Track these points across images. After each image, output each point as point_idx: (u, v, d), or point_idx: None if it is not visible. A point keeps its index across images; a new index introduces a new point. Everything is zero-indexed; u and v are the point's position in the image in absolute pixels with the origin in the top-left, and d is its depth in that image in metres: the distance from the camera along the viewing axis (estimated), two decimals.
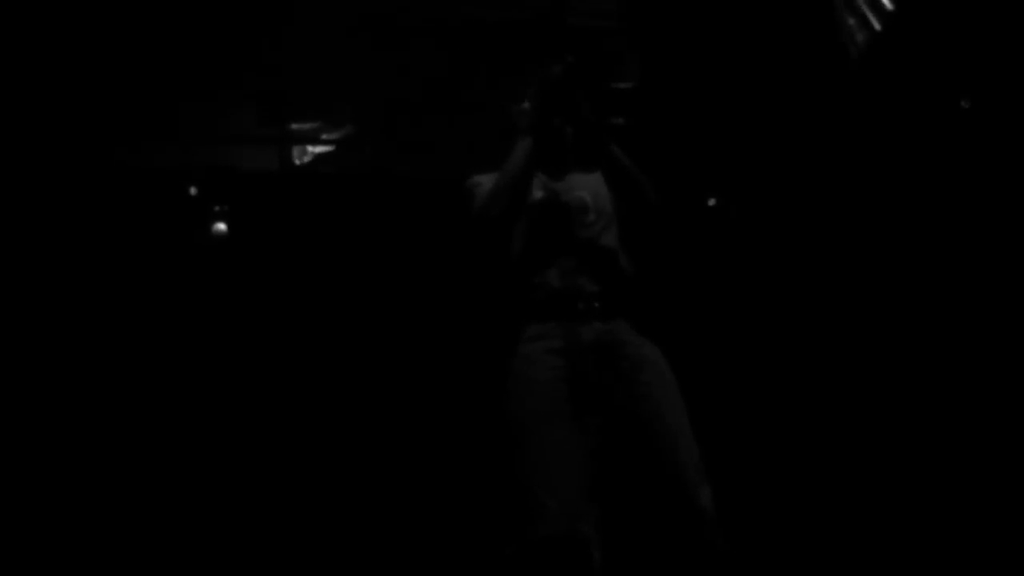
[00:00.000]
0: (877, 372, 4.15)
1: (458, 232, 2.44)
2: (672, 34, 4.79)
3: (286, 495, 4.22)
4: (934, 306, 4.06)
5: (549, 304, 2.16)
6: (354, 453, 4.34)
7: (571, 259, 2.20)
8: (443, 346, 4.51)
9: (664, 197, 2.24)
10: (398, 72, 5.02)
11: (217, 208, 4.65)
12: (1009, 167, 3.83)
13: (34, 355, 4.15)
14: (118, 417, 4.19)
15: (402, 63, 5.02)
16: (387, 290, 4.67)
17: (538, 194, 2.27)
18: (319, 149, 5.16)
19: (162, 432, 4.22)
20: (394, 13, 4.96)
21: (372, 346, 4.56)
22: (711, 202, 4.87)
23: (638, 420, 2.07)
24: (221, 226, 4.65)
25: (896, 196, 4.24)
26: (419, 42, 5.01)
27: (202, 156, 4.71)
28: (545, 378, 2.07)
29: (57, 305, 4.26)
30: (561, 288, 2.17)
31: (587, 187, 2.32)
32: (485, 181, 2.31)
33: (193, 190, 4.62)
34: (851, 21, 4.27)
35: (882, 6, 4.10)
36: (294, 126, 5.06)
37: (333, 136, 5.18)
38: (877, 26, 4.14)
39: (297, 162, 5.09)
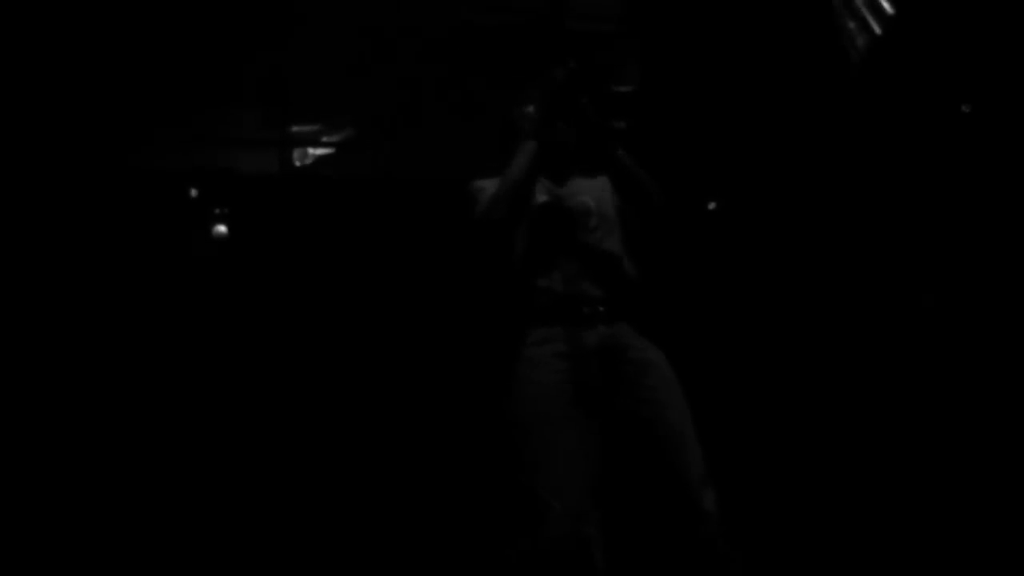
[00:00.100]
0: (880, 375, 4.15)
1: (461, 235, 2.43)
2: (672, 38, 4.80)
3: (288, 496, 4.22)
4: (935, 309, 4.06)
5: (553, 308, 2.16)
6: (355, 455, 4.34)
7: (574, 264, 2.20)
8: (444, 348, 4.51)
9: (670, 201, 2.24)
10: (398, 75, 5.03)
11: (217, 210, 4.65)
12: (1009, 171, 3.83)
13: (36, 354, 4.15)
14: (119, 417, 4.19)
15: (402, 66, 5.02)
16: (387, 293, 4.67)
17: (541, 199, 2.27)
18: (319, 151, 5.17)
19: (163, 432, 4.22)
20: (394, 17, 4.97)
21: (373, 348, 4.56)
22: (711, 205, 4.88)
23: (642, 423, 2.07)
24: (221, 228, 4.65)
25: (897, 199, 4.24)
26: (419, 45, 5.02)
27: (203, 158, 4.71)
28: (549, 381, 2.07)
29: (59, 306, 4.26)
30: (565, 293, 2.17)
31: (590, 192, 2.33)
32: (488, 186, 2.31)
33: (194, 192, 4.63)
34: (851, 25, 4.28)
35: (882, 10, 4.11)
36: (294, 129, 5.07)
37: (333, 139, 5.18)
38: (877, 30, 4.14)
39: (297, 164, 5.09)
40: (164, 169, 4.64)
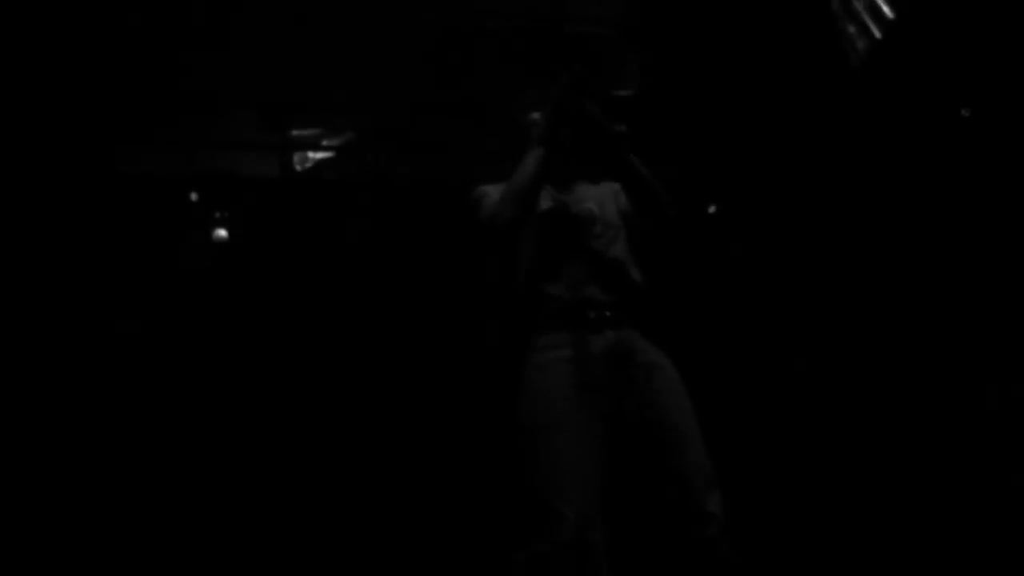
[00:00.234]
0: (882, 377, 4.16)
1: (465, 239, 2.44)
2: (673, 41, 4.80)
3: (293, 500, 4.22)
4: (936, 312, 4.07)
5: (560, 314, 2.17)
6: (359, 459, 4.34)
7: (580, 270, 2.21)
8: (446, 352, 4.51)
9: (681, 209, 2.25)
10: (398, 78, 5.03)
11: (218, 214, 4.65)
12: (1009, 176, 3.84)
13: (38, 358, 4.15)
14: (121, 419, 4.19)
15: (402, 69, 5.02)
16: (387, 295, 4.67)
17: (546, 205, 2.28)
18: (319, 155, 5.17)
19: (164, 434, 4.21)
20: (394, 20, 4.97)
21: (373, 351, 4.56)
22: (711, 209, 4.88)
23: (649, 427, 2.09)
24: (222, 232, 4.65)
25: (897, 203, 4.25)
26: (419, 49, 5.02)
27: (203, 162, 4.72)
28: (558, 386, 2.08)
29: (61, 310, 4.26)
30: (572, 298, 2.18)
31: (594, 198, 2.34)
32: (492, 191, 2.32)
33: (194, 196, 4.63)
34: (851, 29, 4.28)
35: (882, 14, 4.11)
36: (295, 132, 5.07)
37: (333, 142, 5.18)
38: (877, 34, 4.15)
39: (298, 168, 5.10)
40: (165, 173, 4.65)
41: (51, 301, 4.25)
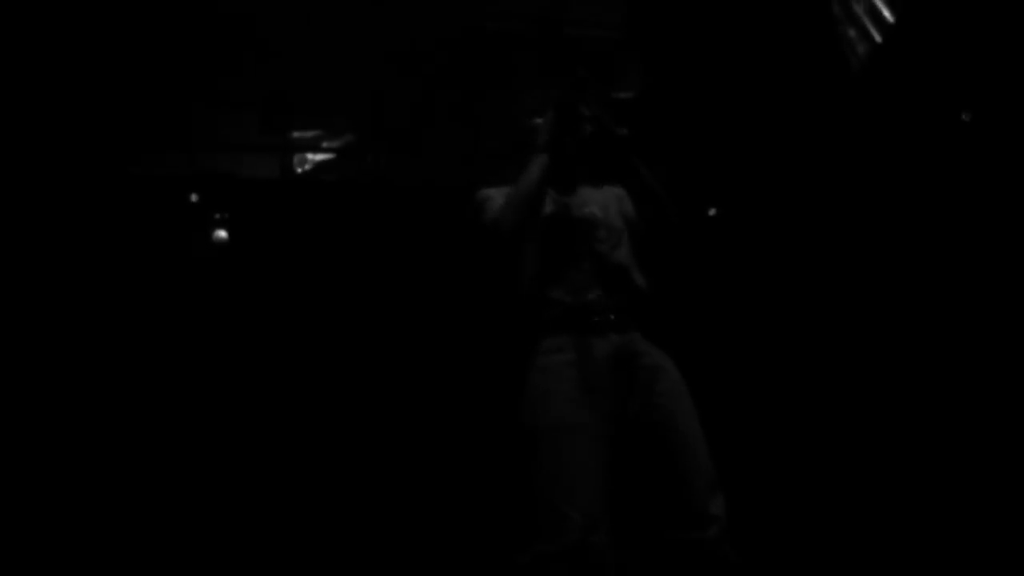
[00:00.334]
0: (883, 379, 4.16)
1: (467, 244, 2.44)
2: (673, 44, 4.81)
3: (295, 499, 4.22)
4: (935, 314, 4.08)
5: (564, 318, 2.18)
6: (358, 460, 4.34)
7: (583, 273, 2.21)
8: (445, 353, 4.51)
9: (683, 213, 2.26)
10: (398, 81, 5.04)
11: (218, 215, 4.65)
12: (1010, 180, 3.84)
13: (38, 358, 4.14)
14: (121, 420, 4.19)
15: (402, 73, 5.03)
16: (388, 299, 4.67)
17: (549, 208, 2.28)
18: (320, 157, 5.18)
19: (164, 436, 4.21)
20: (394, 23, 4.97)
21: (374, 354, 4.56)
22: (712, 212, 4.89)
23: (653, 430, 2.10)
24: (222, 233, 4.65)
25: (897, 207, 4.25)
26: (419, 52, 5.02)
27: (203, 163, 4.72)
28: (562, 390, 2.09)
29: (59, 310, 4.25)
30: (575, 302, 2.19)
31: (597, 202, 2.34)
32: (495, 195, 2.32)
33: (194, 197, 4.62)
34: (852, 33, 4.29)
35: (883, 18, 4.12)
36: (295, 134, 5.08)
37: (334, 144, 5.19)
38: (878, 38, 4.16)
39: (298, 170, 5.10)
40: (165, 174, 4.65)
41: (51, 301, 4.25)
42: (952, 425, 3.87)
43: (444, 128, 5.11)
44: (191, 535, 4.04)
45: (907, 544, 3.71)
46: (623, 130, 2.26)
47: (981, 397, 3.81)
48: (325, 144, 5.18)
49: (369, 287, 4.69)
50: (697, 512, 2.04)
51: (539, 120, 2.28)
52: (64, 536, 3.90)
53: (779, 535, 3.78)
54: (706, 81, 4.74)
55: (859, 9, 4.23)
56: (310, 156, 5.17)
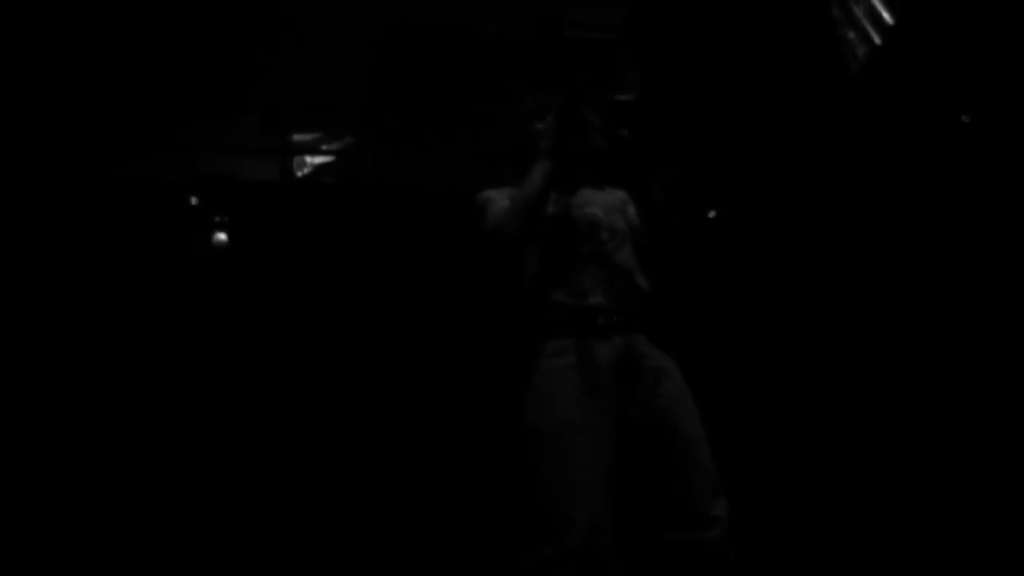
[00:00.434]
0: (884, 380, 4.17)
1: (467, 245, 2.44)
2: (673, 46, 4.81)
3: (297, 502, 4.22)
4: (936, 315, 4.08)
5: (568, 320, 2.18)
6: (360, 462, 4.34)
7: (586, 276, 2.22)
8: (445, 355, 4.51)
9: (683, 216, 2.26)
10: (398, 83, 5.04)
11: (218, 218, 4.65)
12: (1009, 182, 3.85)
13: (38, 363, 4.14)
14: (121, 424, 4.18)
15: (402, 75, 5.03)
16: (388, 300, 4.67)
17: (551, 211, 2.28)
18: (319, 160, 5.17)
19: (165, 438, 4.21)
20: (394, 26, 4.98)
21: (375, 356, 4.56)
22: (711, 214, 4.89)
23: (656, 432, 2.10)
24: (222, 236, 4.64)
25: (896, 209, 4.25)
26: (418, 54, 5.03)
27: (203, 166, 4.71)
28: (567, 392, 2.09)
29: (59, 314, 4.25)
30: (579, 305, 2.19)
31: (599, 204, 2.35)
32: (496, 196, 2.32)
33: (194, 200, 4.62)
34: (851, 35, 4.29)
35: (882, 20, 4.12)
36: (295, 137, 5.08)
37: (333, 147, 5.19)
38: (877, 40, 4.16)
39: (298, 173, 5.10)
40: (165, 177, 4.64)
41: (51, 303, 4.25)
42: (953, 426, 3.87)
43: (444, 130, 5.11)
44: (192, 536, 4.04)
45: (907, 545, 3.71)
46: (624, 132, 2.26)
47: (981, 398, 3.81)
48: (325, 147, 5.18)
49: (370, 289, 4.69)
50: (699, 513, 2.05)
51: (540, 124, 2.28)
52: (64, 536, 3.90)
53: (781, 536, 3.78)
54: (706, 83, 4.75)
55: (859, 11, 4.24)
56: (309, 159, 5.17)
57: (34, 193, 4.30)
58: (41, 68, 4.29)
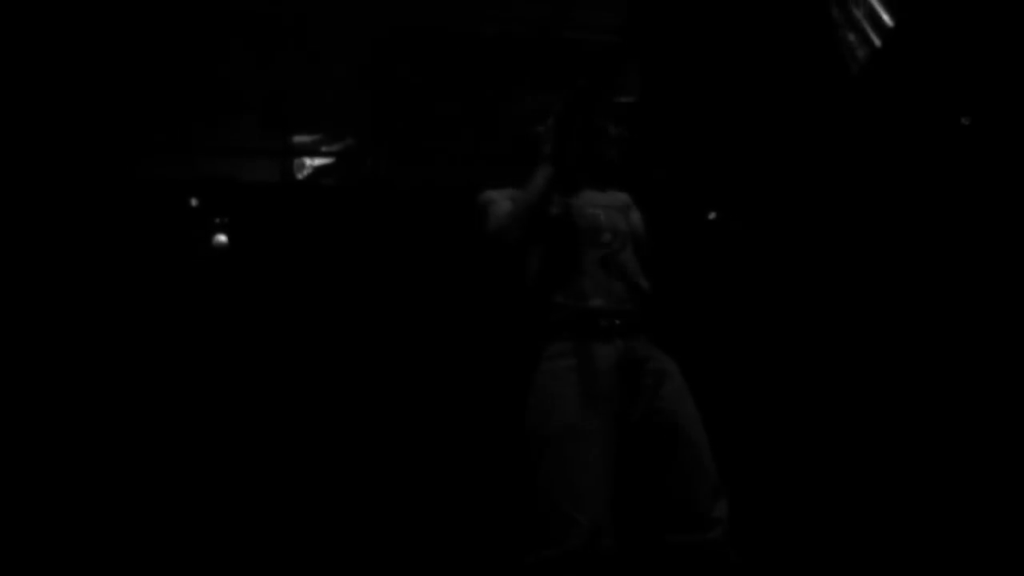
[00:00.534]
0: (884, 382, 4.17)
1: (468, 246, 2.44)
2: (673, 48, 4.82)
3: (294, 505, 4.22)
4: (936, 318, 4.08)
5: (570, 322, 2.18)
6: (360, 464, 4.34)
7: (588, 277, 2.22)
8: (447, 357, 4.51)
9: (683, 216, 2.27)
10: (399, 85, 5.04)
11: (218, 220, 4.65)
12: (1009, 185, 3.85)
13: (37, 361, 4.15)
14: (122, 424, 4.19)
15: (402, 76, 5.04)
16: (389, 302, 4.67)
17: (553, 212, 2.28)
18: (320, 161, 5.17)
19: (166, 439, 4.21)
20: (394, 27, 4.98)
21: (375, 358, 4.56)
22: (711, 215, 4.89)
23: (658, 434, 2.11)
24: (222, 237, 4.65)
25: (896, 211, 4.26)
26: (419, 55, 5.03)
27: (203, 168, 4.71)
28: (568, 394, 2.09)
29: (60, 313, 4.25)
30: (580, 307, 2.19)
31: (601, 205, 2.35)
32: (498, 197, 2.32)
33: (194, 201, 4.62)
34: (851, 37, 4.29)
35: (882, 22, 4.13)
36: (295, 138, 5.08)
37: (334, 148, 5.19)
38: (877, 42, 4.16)
39: (298, 174, 5.10)
40: (165, 178, 4.65)
41: (52, 304, 4.25)
42: (953, 428, 3.87)
43: (444, 131, 5.11)
44: (194, 537, 4.04)
45: (907, 546, 3.71)
46: (624, 134, 2.27)
47: (981, 398, 3.82)
48: (325, 148, 5.18)
49: (370, 291, 4.69)
50: (699, 515, 2.06)
51: (541, 128, 2.27)
52: (65, 536, 3.90)
53: (782, 538, 3.78)
54: (706, 85, 4.75)
55: (858, 13, 4.24)
56: (309, 160, 5.17)
57: (34, 194, 4.30)
58: (41, 70, 4.29)
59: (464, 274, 4.14)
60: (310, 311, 4.65)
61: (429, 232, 4.66)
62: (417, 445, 4.37)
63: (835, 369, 4.33)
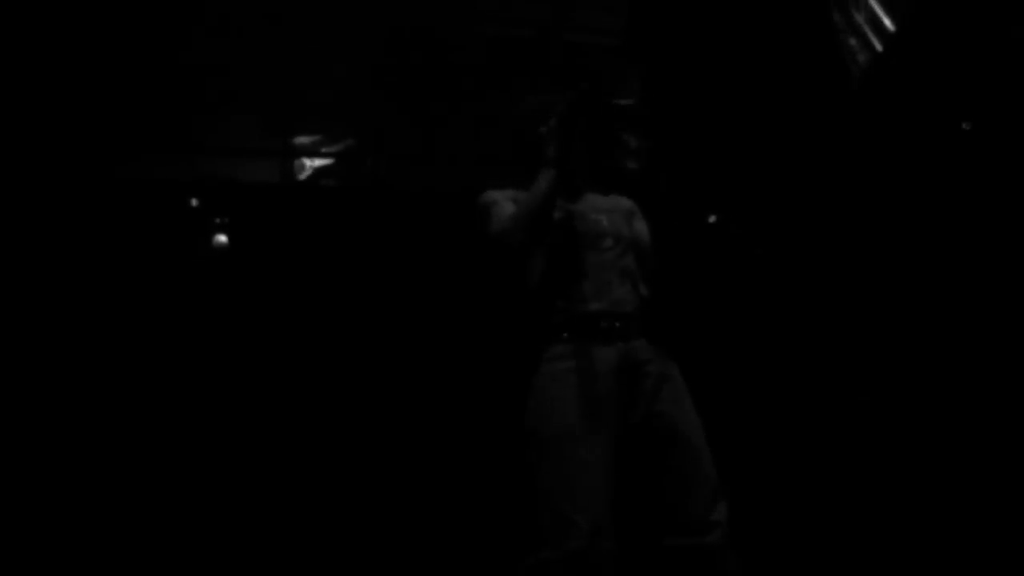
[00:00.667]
0: (884, 384, 4.17)
1: (468, 247, 2.43)
2: (674, 51, 4.81)
3: (294, 506, 4.22)
4: (936, 321, 4.09)
5: (571, 325, 2.17)
6: (361, 464, 4.34)
7: (590, 281, 2.21)
8: (447, 358, 4.51)
9: (684, 220, 2.27)
10: (399, 86, 5.05)
11: (218, 220, 4.65)
12: (1009, 188, 3.85)
13: (38, 362, 4.15)
14: (122, 425, 4.19)
15: (403, 77, 5.04)
16: (389, 303, 4.67)
17: (556, 216, 2.27)
18: (320, 162, 5.17)
19: (166, 440, 4.21)
20: (394, 29, 4.98)
21: (375, 359, 4.56)
22: (711, 219, 4.89)
23: (657, 436, 2.10)
24: (222, 238, 4.65)
25: (896, 215, 4.26)
26: (420, 57, 5.03)
27: (204, 168, 4.71)
28: (567, 397, 2.09)
29: (59, 314, 4.25)
30: (581, 310, 2.18)
31: (603, 209, 2.34)
32: (500, 198, 2.31)
33: (195, 202, 4.62)
34: (852, 42, 4.30)
35: (884, 27, 4.13)
36: (296, 139, 5.08)
37: (334, 149, 5.19)
38: (878, 47, 4.17)
39: (298, 175, 5.10)
40: (165, 179, 4.65)
41: (51, 305, 4.25)
42: (952, 428, 3.87)
43: (444, 132, 5.11)
44: (194, 537, 4.04)
45: (907, 548, 3.71)
46: (645, 145, 2.27)
47: (981, 399, 3.82)
48: (325, 149, 5.18)
49: (370, 292, 4.69)
50: (698, 518, 2.05)
51: (543, 129, 2.27)
52: (65, 536, 3.90)
53: (781, 541, 3.78)
54: (707, 88, 4.75)
55: (860, 18, 4.24)
56: (309, 161, 5.17)
57: (34, 193, 4.30)
58: (41, 68, 4.29)
59: (464, 275, 4.14)
60: (310, 312, 4.65)
61: (429, 233, 4.66)
62: (418, 447, 4.37)
63: (835, 372, 4.33)
